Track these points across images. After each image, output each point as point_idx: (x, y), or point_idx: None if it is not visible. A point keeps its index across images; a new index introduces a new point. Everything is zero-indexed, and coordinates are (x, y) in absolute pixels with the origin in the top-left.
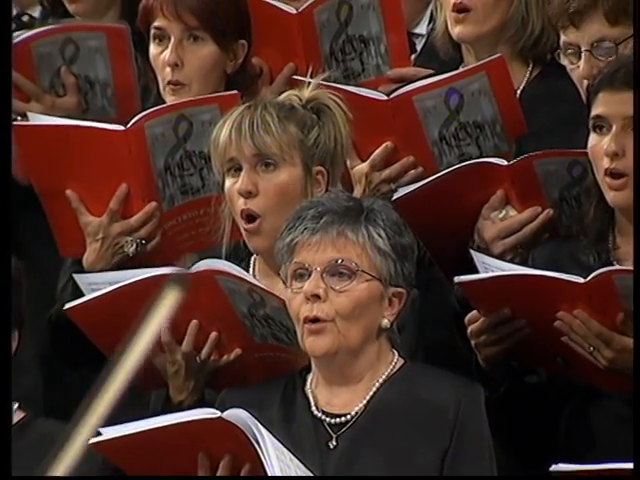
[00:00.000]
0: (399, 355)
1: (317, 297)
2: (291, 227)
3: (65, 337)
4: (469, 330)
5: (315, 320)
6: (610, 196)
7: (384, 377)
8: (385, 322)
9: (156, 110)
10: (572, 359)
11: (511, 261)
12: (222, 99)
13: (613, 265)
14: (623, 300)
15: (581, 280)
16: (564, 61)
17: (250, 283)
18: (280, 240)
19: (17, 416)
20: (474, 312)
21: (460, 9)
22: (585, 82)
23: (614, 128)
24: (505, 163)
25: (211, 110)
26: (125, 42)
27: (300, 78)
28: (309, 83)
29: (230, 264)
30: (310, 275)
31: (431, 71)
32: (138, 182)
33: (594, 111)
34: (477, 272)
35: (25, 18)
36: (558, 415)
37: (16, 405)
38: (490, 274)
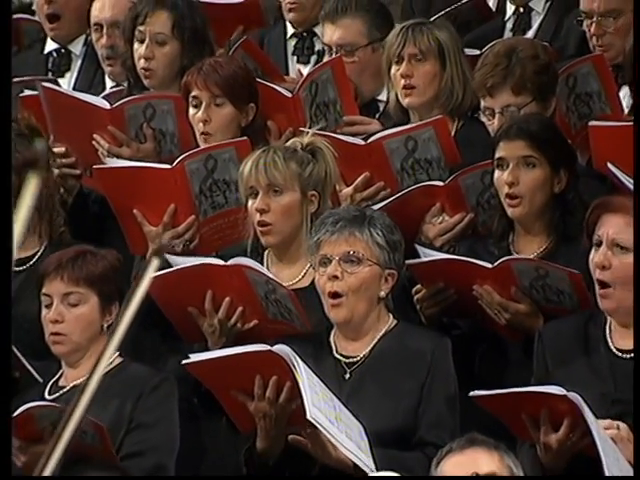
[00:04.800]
0: (393, 317)
1: (336, 277)
2: (317, 230)
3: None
4: (415, 298)
5: (335, 294)
6: (509, 211)
7: (383, 332)
8: (382, 293)
9: (192, 153)
10: (484, 316)
11: (445, 252)
12: (237, 143)
13: (512, 255)
14: (517, 279)
15: (489, 265)
16: (483, 118)
17: (267, 277)
18: (310, 239)
19: (117, 360)
20: (418, 285)
21: (408, 87)
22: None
23: (510, 165)
24: (442, 184)
25: (229, 151)
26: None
27: (304, 129)
28: (308, 132)
29: (255, 262)
30: (331, 262)
31: (374, 120)
32: (182, 203)
33: (497, 154)
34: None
35: (120, 87)
36: (474, 355)
37: (117, 353)
38: (429, 258)
